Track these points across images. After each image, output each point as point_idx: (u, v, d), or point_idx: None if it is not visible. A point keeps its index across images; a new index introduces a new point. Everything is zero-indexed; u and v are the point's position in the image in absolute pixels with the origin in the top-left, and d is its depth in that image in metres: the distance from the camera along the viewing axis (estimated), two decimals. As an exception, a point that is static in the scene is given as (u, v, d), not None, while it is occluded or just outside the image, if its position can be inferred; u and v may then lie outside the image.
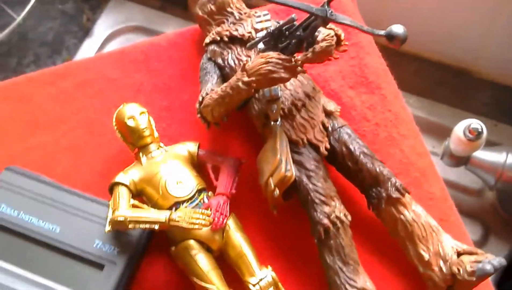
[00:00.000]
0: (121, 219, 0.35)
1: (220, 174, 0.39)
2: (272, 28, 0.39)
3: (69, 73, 0.46)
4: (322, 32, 0.35)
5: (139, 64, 0.47)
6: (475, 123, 0.66)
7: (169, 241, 0.37)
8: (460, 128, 0.67)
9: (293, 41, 0.36)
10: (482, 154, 0.73)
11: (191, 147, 0.40)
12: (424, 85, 0.95)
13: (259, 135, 0.41)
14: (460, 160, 0.73)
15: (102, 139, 0.44)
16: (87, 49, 1.03)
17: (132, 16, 1.06)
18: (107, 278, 0.36)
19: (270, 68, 0.35)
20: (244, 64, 0.36)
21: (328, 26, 0.36)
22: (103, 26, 1.05)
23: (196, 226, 0.35)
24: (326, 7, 0.34)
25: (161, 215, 0.35)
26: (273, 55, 0.36)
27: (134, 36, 1.05)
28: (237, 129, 0.43)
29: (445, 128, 0.83)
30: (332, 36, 0.35)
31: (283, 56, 0.35)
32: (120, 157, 0.42)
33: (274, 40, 0.37)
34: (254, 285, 0.35)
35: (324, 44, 0.35)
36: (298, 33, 0.36)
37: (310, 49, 0.35)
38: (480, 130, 0.65)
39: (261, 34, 0.41)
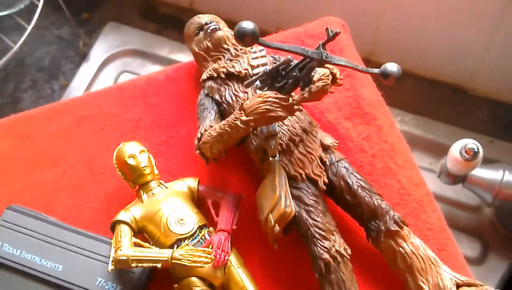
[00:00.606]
0: (124, 258, 0.36)
1: (220, 210, 0.40)
2: (268, 67, 0.40)
3: (68, 110, 0.47)
4: (318, 72, 0.36)
5: (137, 99, 0.48)
6: (471, 143, 0.66)
7: (172, 278, 0.37)
8: (456, 148, 0.67)
9: (290, 81, 0.37)
10: (479, 172, 0.74)
11: (191, 183, 0.41)
12: (420, 103, 0.96)
13: (258, 170, 0.41)
14: (457, 179, 0.74)
15: (102, 176, 0.44)
16: (84, 74, 1.04)
17: (128, 39, 1.07)
18: (110, 318, 0.36)
19: (267, 107, 0.36)
20: (242, 103, 0.37)
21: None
22: (99, 50, 1.06)
23: (199, 264, 0.35)
24: (321, 49, 0.35)
25: (164, 254, 0.36)
26: (270, 94, 0.36)
27: (130, 59, 1.06)
28: (236, 164, 0.44)
29: (442, 146, 0.84)
30: (328, 76, 0.36)
31: (280, 96, 0.36)
32: (120, 194, 0.43)
33: (271, 79, 0.38)
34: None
35: (320, 84, 0.35)
36: (294, 73, 0.37)
37: (307, 89, 0.36)
38: (476, 150, 0.66)
39: (258, 70, 0.42)
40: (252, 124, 0.36)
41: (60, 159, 0.45)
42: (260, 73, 0.38)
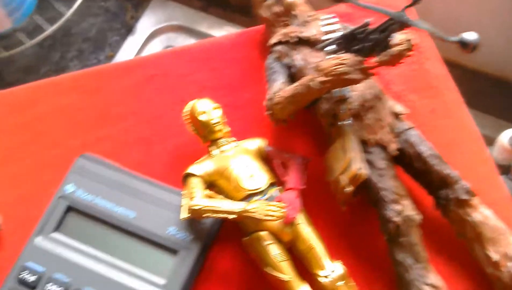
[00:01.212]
0: (197, 208, 0.37)
1: (289, 170, 0.40)
2: (344, 31, 0.40)
3: (137, 68, 0.48)
4: (397, 37, 0.36)
5: (203, 62, 0.48)
6: (521, 132, 0.66)
7: (241, 231, 0.38)
8: (505, 137, 0.67)
9: (367, 44, 0.37)
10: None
11: (260, 143, 0.42)
12: (464, 94, 0.95)
13: (324, 134, 0.42)
14: (502, 169, 0.73)
15: (170, 132, 0.45)
16: (130, 46, 1.06)
17: (174, 15, 1.08)
18: (181, 263, 0.37)
19: (345, 69, 0.36)
20: (318, 65, 0.37)
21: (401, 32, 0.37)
22: (145, 24, 1.07)
23: (271, 218, 0.36)
24: (403, 12, 0.36)
25: (237, 206, 0.37)
26: (348, 56, 0.37)
27: (175, 35, 1.07)
28: (300, 126, 0.44)
29: (486, 137, 0.84)
30: (408, 40, 0.36)
31: (359, 58, 0.37)
32: (188, 150, 0.44)
33: (347, 42, 0.38)
34: (324, 277, 0.36)
35: (400, 47, 0.36)
36: (374, 36, 0.37)
37: (385, 52, 0.36)
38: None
39: (330, 36, 0.42)
40: (328, 85, 0.37)
41: (129, 114, 0.46)
42: (335, 37, 0.39)
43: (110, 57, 1.05)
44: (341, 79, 0.37)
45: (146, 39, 1.06)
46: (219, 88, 0.47)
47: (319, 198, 0.41)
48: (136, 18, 1.08)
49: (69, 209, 0.39)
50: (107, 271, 0.37)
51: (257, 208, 0.36)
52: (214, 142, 0.41)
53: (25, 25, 0.89)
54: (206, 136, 0.41)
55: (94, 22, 1.09)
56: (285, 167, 0.41)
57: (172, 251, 0.38)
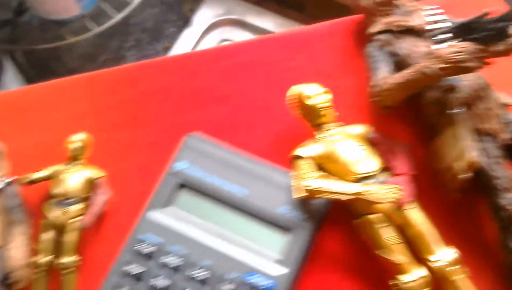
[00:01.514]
0: (312, 188, 0.38)
1: (395, 156, 0.41)
2: (455, 21, 0.41)
3: (233, 54, 0.49)
4: None
5: (300, 49, 0.49)
6: None
7: (351, 213, 0.39)
8: None
9: (484, 33, 0.38)
10: None
11: (366, 129, 0.42)
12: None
13: (426, 122, 0.42)
14: None
15: (270, 116, 0.46)
16: (187, 38, 1.07)
17: (231, 9, 1.09)
18: (295, 241, 0.38)
19: (463, 57, 0.37)
20: (433, 52, 0.38)
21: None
22: (202, 17, 1.09)
23: (387, 201, 0.37)
24: None
25: (352, 187, 0.37)
26: (467, 44, 0.37)
27: (231, 29, 1.09)
28: (397, 115, 0.45)
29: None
30: None
31: (478, 46, 0.37)
32: (291, 133, 0.44)
33: (463, 31, 0.39)
34: (434, 262, 0.36)
35: (521, 37, 0.36)
36: (491, 26, 0.38)
37: (503, 42, 0.37)
38: None
39: (438, 26, 0.43)
40: (447, 72, 0.37)
41: (229, 98, 0.47)
42: (447, 26, 0.39)
43: (167, 49, 1.06)
44: (458, 67, 0.37)
45: (203, 32, 1.07)
46: (316, 75, 0.48)
47: (426, 186, 0.41)
48: (193, 11, 1.09)
49: (181, 185, 0.40)
50: (222, 245, 0.38)
51: (373, 190, 0.37)
52: (321, 126, 0.42)
53: (91, 12, 0.91)
54: (313, 120, 0.42)
55: (152, 13, 1.11)
56: (391, 154, 0.42)
57: (286, 229, 0.39)
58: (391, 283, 0.37)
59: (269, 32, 1.06)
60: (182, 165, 0.41)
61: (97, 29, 0.85)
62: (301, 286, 0.39)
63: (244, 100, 0.47)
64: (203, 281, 0.37)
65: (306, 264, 0.39)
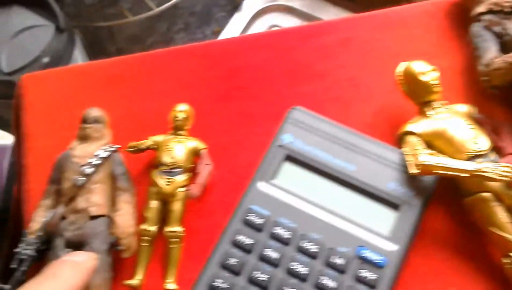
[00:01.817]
0: (428, 164, 0.37)
1: (502, 137, 0.40)
2: None
3: (331, 30, 0.49)
4: None
5: (397, 28, 0.49)
6: None
7: (461, 191, 0.39)
8: None
9: None
10: None
11: (470, 108, 0.42)
12: None
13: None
14: None
15: (367, 93, 0.45)
16: (236, 23, 1.07)
17: (280, -5, 1.08)
18: (403, 219, 0.38)
19: None
20: None
21: None
22: (252, 2, 1.08)
23: (506, 179, 0.36)
24: None
25: (468, 165, 0.37)
26: None
27: (280, 15, 1.08)
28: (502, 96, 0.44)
29: None
30: None
31: None
32: (389, 111, 0.44)
33: None
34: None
35: None
36: None
37: None
38: None
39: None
40: None
41: (324, 74, 0.47)
42: None
43: (217, 33, 1.06)
44: None
45: (252, 17, 1.06)
46: (415, 55, 0.47)
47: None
48: (243, -5, 1.09)
49: (288, 157, 0.40)
50: (330, 218, 0.38)
51: (491, 168, 0.36)
52: (428, 103, 0.41)
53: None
54: (422, 97, 0.41)
55: (200, -3, 1.11)
56: (497, 134, 0.41)
57: (394, 205, 0.38)
58: (504, 260, 0.36)
59: (319, 20, 1.05)
60: (287, 138, 0.41)
61: (158, 9, 0.85)
62: (409, 264, 0.38)
63: (341, 77, 0.46)
64: (314, 254, 0.37)
65: (414, 241, 0.39)
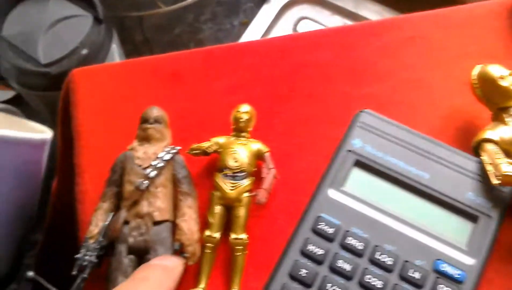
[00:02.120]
0: (511, 174, 0.35)
1: None
2: None
3: (394, 28, 0.46)
4: None
5: (462, 27, 0.47)
6: None
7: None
8: None
9: None
10: None
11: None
12: None
13: None
14: None
15: (434, 96, 0.43)
16: (264, 15, 1.04)
17: (310, -13, 1.06)
18: (481, 231, 0.36)
19: None
20: None
21: None
22: (280, -7, 1.06)
23: None
24: None
25: (554, 177, 0.35)
26: None
27: (309, 7, 1.06)
28: None
29: None
30: None
31: None
32: (456, 116, 0.42)
33: None
34: None
35: None
36: None
37: None
38: None
39: None
40: None
41: (388, 75, 0.45)
42: None
43: (245, 24, 1.04)
44: None
45: (281, 9, 1.04)
46: (483, 56, 0.45)
47: None
48: (272, -13, 1.06)
49: (358, 163, 0.38)
50: (405, 229, 0.36)
51: None
52: (507, 109, 0.39)
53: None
54: (500, 102, 0.39)
55: (228, -13, 1.08)
56: None
57: (473, 217, 0.36)
58: None
59: (351, 12, 1.03)
60: (357, 143, 0.39)
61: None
62: (485, 278, 0.36)
63: (405, 78, 0.44)
64: (389, 267, 0.35)
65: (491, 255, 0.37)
